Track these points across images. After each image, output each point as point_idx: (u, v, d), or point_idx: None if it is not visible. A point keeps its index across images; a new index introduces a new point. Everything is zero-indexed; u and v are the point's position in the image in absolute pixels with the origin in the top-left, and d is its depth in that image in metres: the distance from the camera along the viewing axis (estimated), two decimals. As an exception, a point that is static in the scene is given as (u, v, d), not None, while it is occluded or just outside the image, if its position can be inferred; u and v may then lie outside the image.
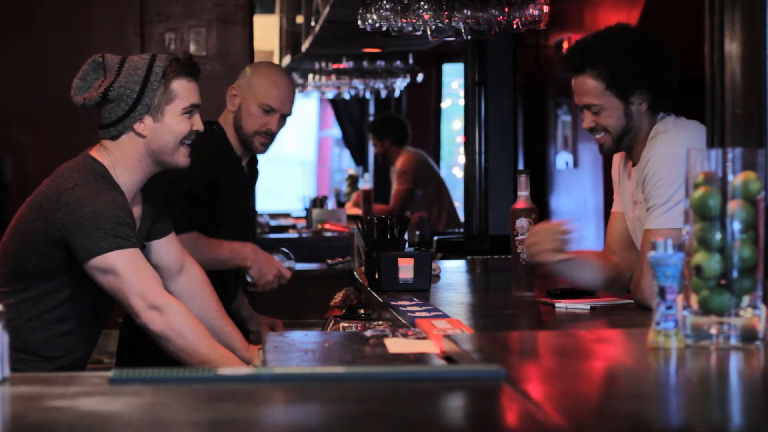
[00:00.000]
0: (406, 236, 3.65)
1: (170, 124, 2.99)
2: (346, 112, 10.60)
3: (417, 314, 2.87)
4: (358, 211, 7.83)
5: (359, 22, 4.31)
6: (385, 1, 4.17)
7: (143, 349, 3.13)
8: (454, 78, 9.95)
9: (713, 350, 2.04)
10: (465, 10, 4.06)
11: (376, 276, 3.53)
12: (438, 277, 3.90)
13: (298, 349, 2.57)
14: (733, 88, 2.33)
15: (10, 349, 1.97)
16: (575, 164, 7.09)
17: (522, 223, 3.32)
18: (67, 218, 2.86)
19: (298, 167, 13.28)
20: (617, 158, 3.26)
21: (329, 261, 5.24)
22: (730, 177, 2.05)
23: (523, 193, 3.36)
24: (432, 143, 9.61)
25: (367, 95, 9.09)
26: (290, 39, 8.08)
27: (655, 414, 1.67)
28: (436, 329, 2.56)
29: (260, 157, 3.91)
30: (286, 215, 9.35)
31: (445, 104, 9.91)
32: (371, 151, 9.37)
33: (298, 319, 4.24)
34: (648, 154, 3.02)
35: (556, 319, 2.99)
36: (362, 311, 3.34)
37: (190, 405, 1.83)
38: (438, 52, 9.05)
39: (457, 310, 3.13)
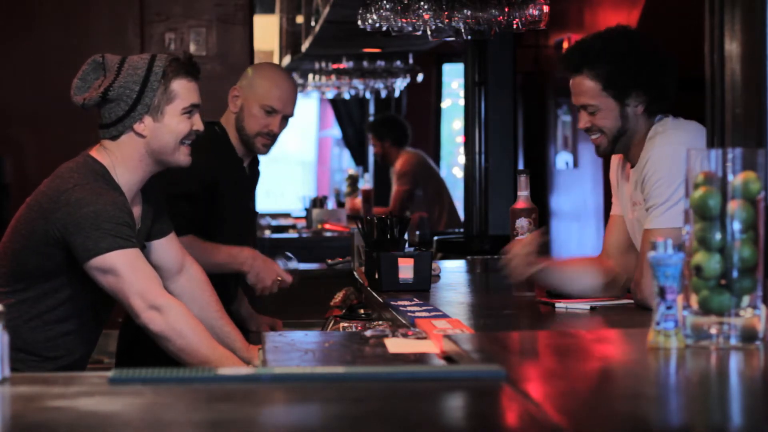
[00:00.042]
0: (406, 236, 3.65)
1: (170, 124, 2.99)
2: (346, 112, 10.59)
3: (417, 314, 2.87)
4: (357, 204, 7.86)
5: (359, 22, 4.31)
6: (385, 1, 4.16)
7: (143, 349, 3.13)
8: (454, 78, 9.94)
9: (713, 350, 2.04)
10: (465, 10, 4.06)
11: (376, 276, 3.53)
12: (438, 277, 3.90)
13: (298, 349, 2.57)
14: (733, 88, 2.33)
15: (10, 349, 1.97)
16: (575, 164, 7.09)
17: (522, 223, 3.32)
18: (67, 218, 2.86)
19: (298, 167, 13.28)
20: (615, 161, 3.25)
21: (329, 261, 5.24)
22: (730, 177, 2.05)
23: (523, 193, 3.36)
24: (432, 143, 9.60)
25: (367, 95, 9.09)
26: (290, 39, 8.08)
27: (655, 414, 1.67)
28: (436, 329, 2.56)
29: (260, 157, 3.91)
30: (286, 215, 9.35)
31: (445, 104, 9.91)
32: (371, 151, 9.36)
33: (298, 319, 4.23)
34: (647, 155, 3.01)
35: (556, 319, 2.99)
36: (362, 311, 3.34)
37: (190, 405, 1.83)
38: (438, 52, 9.04)
39: (457, 310, 3.13)
